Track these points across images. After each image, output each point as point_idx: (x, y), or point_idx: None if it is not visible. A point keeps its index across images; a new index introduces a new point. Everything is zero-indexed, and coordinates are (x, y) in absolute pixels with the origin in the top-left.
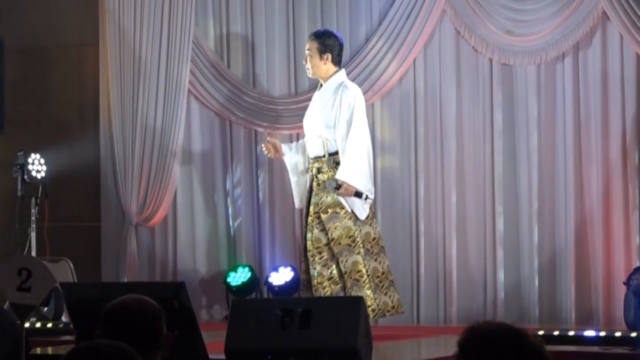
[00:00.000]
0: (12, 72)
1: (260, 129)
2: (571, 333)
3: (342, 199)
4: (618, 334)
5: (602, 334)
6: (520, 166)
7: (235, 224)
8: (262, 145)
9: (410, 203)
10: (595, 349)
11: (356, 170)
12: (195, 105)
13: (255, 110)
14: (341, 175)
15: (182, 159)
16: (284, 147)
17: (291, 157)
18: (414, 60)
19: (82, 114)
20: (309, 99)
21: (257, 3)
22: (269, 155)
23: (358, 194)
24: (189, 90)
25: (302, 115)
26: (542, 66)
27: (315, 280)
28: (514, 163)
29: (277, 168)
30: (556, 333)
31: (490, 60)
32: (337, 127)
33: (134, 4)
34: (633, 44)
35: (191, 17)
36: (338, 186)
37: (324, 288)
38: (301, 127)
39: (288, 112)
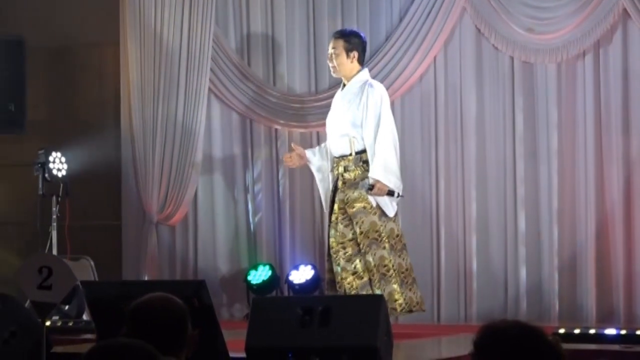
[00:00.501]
0: (33, 71)
1: (280, 127)
2: (592, 331)
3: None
4: (639, 332)
5: (623, 332)
6: (540, 164)
7: (256, 219)
8: (283, 157)
9: (430, 201)
10: (616, 347)
11: (388, 169)
12: (215, 102)
13: (277, 109)
14: (374, 174)
15: (203, 157)
16: (308, 153)
17: (315, 162)
18: (434, 58)
19: (103, 112)
20: (330, 97)
21: (278, 1)
22: (291, 166)
23: (390, 193)
24: (210, 89)
25: (324, 113)
26: (562, 64)
27: (339, 277)
28: (535, 160)
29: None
30: (577, 331)
31: (511, 58)
32: (365, 126)
33: (155, 3)
34: None
35: (212, 16)
36: (371, 187)
37: (348, 283)
38: (323, 125)
39: (309, 110)
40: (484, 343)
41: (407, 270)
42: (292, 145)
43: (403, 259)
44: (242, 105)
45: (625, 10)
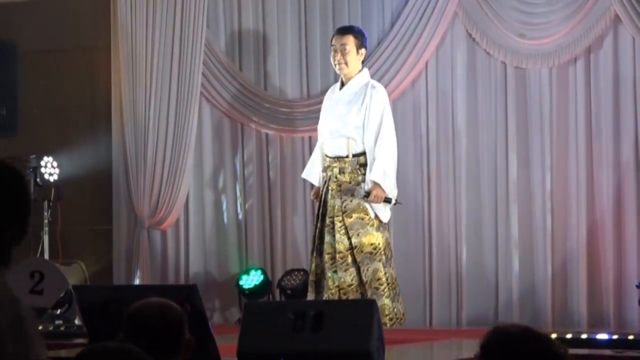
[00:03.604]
0: (24, 75)
1: (272, 132)
2: (584, 336)
3: (367, 204)
4: (631, 337)
5: (615, 337)
6: (533, 169)
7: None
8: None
9: (422, 206)
10: (608, 352)
11: (386, 174)
12: (206, 106)
13: (268, 113)
14: (374, 177)
15: (194, 161)
16: (310, 170)
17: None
18: (426, 64)
19: (94, 117)
20: (322, 102)
21: (269, 5)
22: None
23: (387, 200)
24: (201, 93)
25: (316, 118)
26: (554, 69)
27: (334, 283)
28: (527, 166)
29: (288, 167)
30: (569, 336)
31: (503, 64)
32: (366, 128)
33: (146, 6)
34: None
35: (203, 20)
36: (367, 194)
37: (344, 294)
38: (314, 130)
39: (301, 115)
40: (491, 346)
41: (396, 280)
42: (313, 194)
43: (393, 268)
44: (232, 108)
45: (617, 15)
